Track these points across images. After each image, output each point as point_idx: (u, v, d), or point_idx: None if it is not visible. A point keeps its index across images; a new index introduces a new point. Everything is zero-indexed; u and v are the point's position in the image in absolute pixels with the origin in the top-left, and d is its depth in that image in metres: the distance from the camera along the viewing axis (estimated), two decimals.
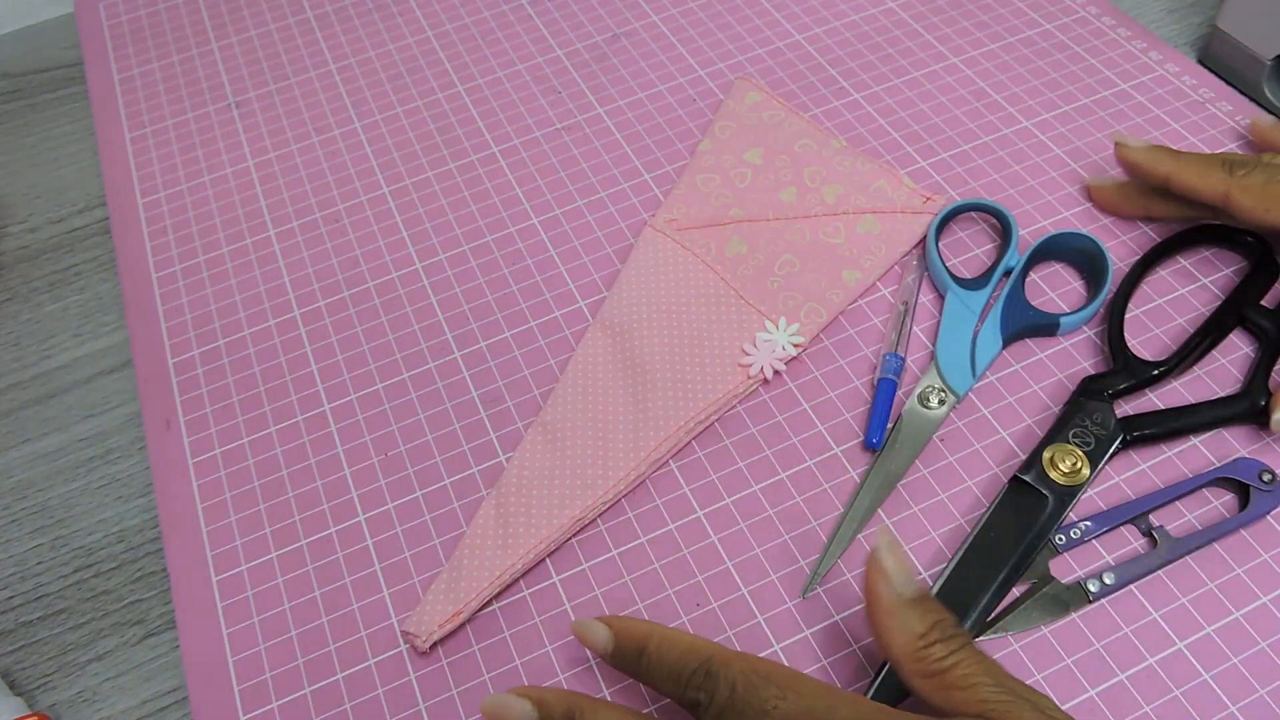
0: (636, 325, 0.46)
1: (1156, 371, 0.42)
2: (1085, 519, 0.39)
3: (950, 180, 0.51)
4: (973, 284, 0.46)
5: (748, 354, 0.45)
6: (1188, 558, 0.39)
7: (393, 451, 0.44)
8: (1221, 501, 0.40)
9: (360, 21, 0.64)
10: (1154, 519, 0.40)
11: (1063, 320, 0.44)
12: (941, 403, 0.43)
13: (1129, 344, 0.44)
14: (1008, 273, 0.46)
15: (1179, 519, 0.40)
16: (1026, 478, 0.40)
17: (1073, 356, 0.44)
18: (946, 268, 0.46)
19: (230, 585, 0.41)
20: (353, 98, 0.59)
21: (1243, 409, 0.41)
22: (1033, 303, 0.46)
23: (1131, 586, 0.38)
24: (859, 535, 0.40)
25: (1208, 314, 0.44)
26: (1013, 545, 0.38)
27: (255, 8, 0.66)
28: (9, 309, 0.53)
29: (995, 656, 0.37)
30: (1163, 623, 0.37)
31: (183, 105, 0.60)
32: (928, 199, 0.49)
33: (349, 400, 0.46)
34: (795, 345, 0.45)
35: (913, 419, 0.42)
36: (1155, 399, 0.43)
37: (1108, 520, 0.39)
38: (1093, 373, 0.44)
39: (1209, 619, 0.37)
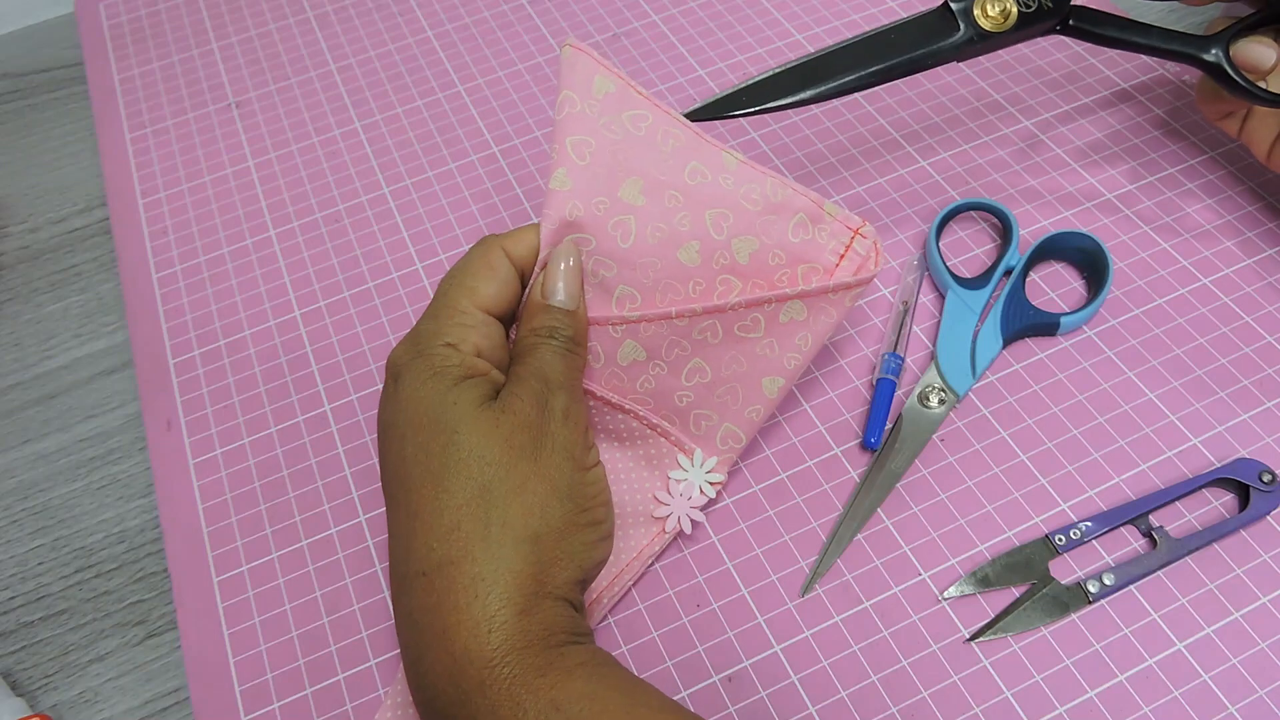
0: None
1: None
2: (1085, 520, 0.39)
3: (950, 180, 0.51)
4: (973, 283, 0.46)
5: (663, 503, 0.40)
6: (1187, 558, 0.39)
7: None
8: (1221, 502, 0.40)
9: (360, 21, 0.64)
10: (1154, 519, 0.40)
11: (1063, 320, 0.44)
12: (941, 402, 0.43)
13: None
14: (1008, 272, 0.46)
15: (1179, 519, 0.40)
16: (954, 6, 0.40)
17: (1073, 356, 0.44)
18: (947, 267, 0.46)
19: (231, 586, 0.41)
20: (353, 98, 0.59)
21: (1197, 49, 0.40)
22: (1033, 302, 0.46)
23: (1131, 587, 0.38)
24: (859, 535, 0.40)
25: None
26: (900, 51, 0.38)
27: (255, 8, 0.66)
28: (9, 309, 0.53)
29: (995, 657, 0.37)
30: (1162, 623, 0.38)
31: (183, 105, 0.60)
32: (855, 234, 0.37)
33: (349, 400, 0.46)
34: (713, 485, 0.40)
35: (913, 419, 0.42)
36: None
37: (1107, 520, 0.39)
38: None
39: (1209, 619, 0.37)
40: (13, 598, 0.43)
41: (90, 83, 0.63)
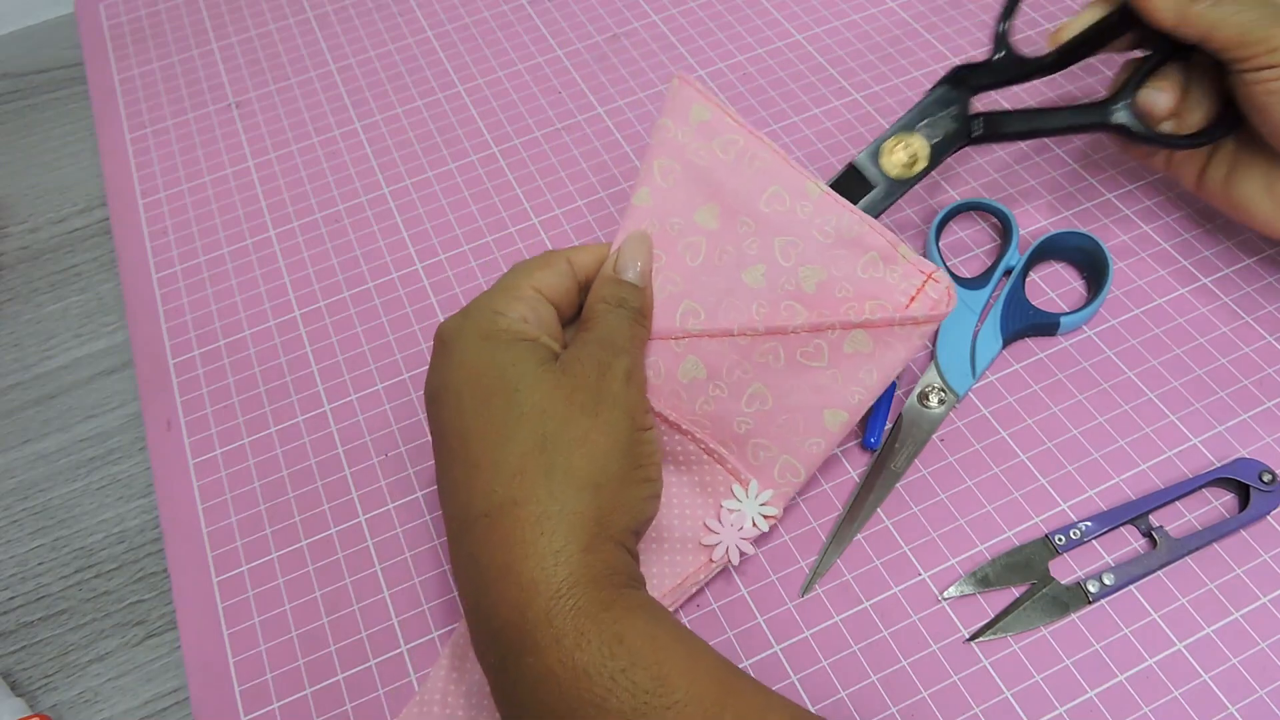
0: None
1: (1035, 65, 0.40)
2: (1085, 519, 0.39)
3: (950, 180, 0.51)
4: (973, 283, 0.46)
5: (713, 531, 0.38)
6: (1187, 558, 0.39)
7: (393, 452, 0.44)
8: (1221, 502, 0.40)
9: (360, 21, 0.64)
10: (1154, 519, 0.40)
11: (1063, 320, 0.44)
12: (941, 402, 0.43)
13: (1011, 38, 0.43)
14: (1008, 272, 0.46)
15: (1179, 519, 0.40)
16: (860, 165, 0.39)
17: (1073, 356, 0.44)
18: (947, 267, 0.46)
19: (231, 586, 0.41)
20: (353, 98, 0.59)
21: (1101, 118, 0.40)
22: (1033, 302, 0.46)
23: (1131, 587, 0.38)
24: (859, 535, 0.40)
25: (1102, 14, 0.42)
26: None
27: (255, 8, 0.66)
28: (9, 309, 0.53)
29: (995, 657, 0.37)
30: (1162, 623, 0.37)
31: (183, 105, 0.60)
32: (928, 278, 0.36)
33: (349, 400, 0.46)
34: (766, 518, 0.38)
35: (912, 419, 0.42)
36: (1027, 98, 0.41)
37: (1107, 520, 0.39)
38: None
39: (1209, 619, 0.37)
40: (12, 598, 0.43)
41: (90, 83, 0.63)
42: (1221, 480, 0.40)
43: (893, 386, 0.43)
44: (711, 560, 0.38)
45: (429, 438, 0.44)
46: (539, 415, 0.33)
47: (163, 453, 0.46)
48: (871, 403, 0.37)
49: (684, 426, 0.39)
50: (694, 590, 0.39)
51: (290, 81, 0.61)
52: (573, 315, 0.39)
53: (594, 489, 0.32)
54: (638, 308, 0.37)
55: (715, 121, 0.39)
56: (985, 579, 0.39)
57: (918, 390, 0.43)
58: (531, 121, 0.57)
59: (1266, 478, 0.39)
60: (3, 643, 0.42)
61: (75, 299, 0.53)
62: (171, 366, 0.49)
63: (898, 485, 0.41)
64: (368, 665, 0.39)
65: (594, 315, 0.37)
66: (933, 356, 0.44)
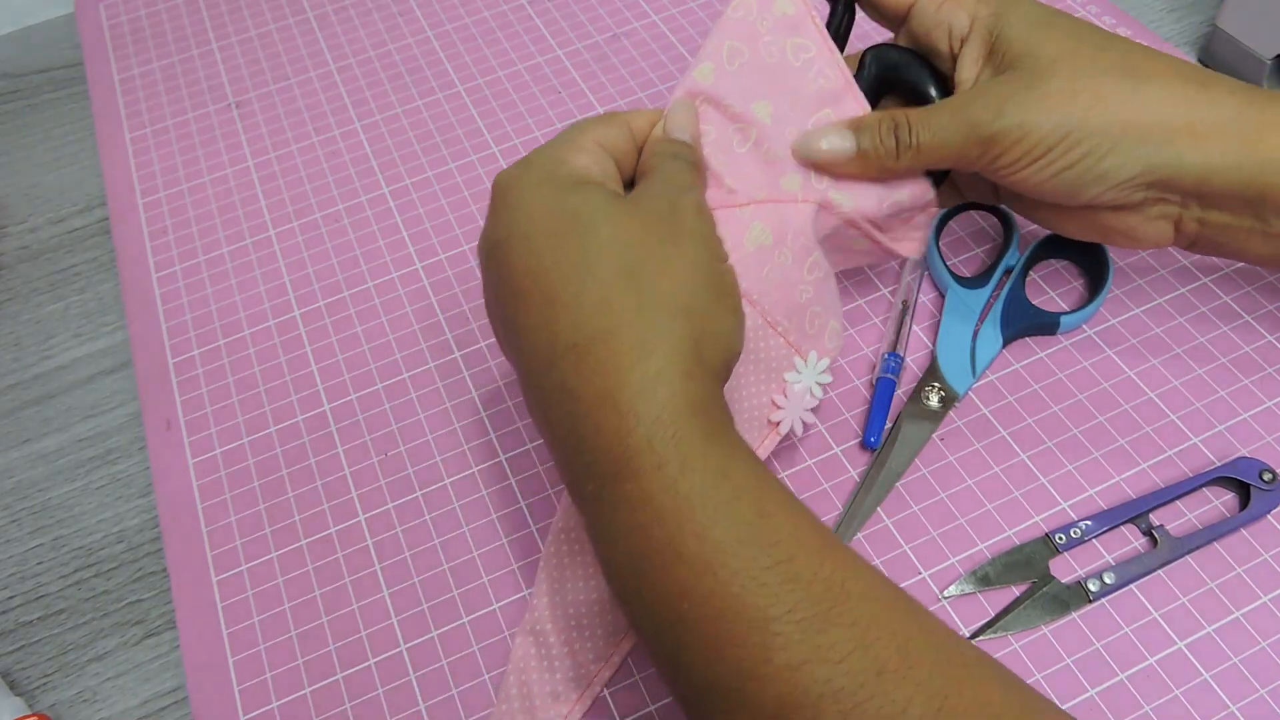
0: None
1: None
2: (1085, 518, 0.39)
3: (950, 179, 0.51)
4: (973, 283, 0.46)
5: (779, 407, 0.38)
6: (1188, 557, 0.39)
7: (393, 451, 0.44)
8: (1221, 501, 0.40)
9: (360, 21, 0.64)
10: (1154, 518, 0.40)
11: (1063, 319, 0.44)
12: (941, 402, 0.43)
13: None
14: (1008, 271, 0.46)
15: (1179, 518, 0.40)
16: None
17: (1073, 355, 0.44)
18: (947, 266, 0.46)
19: (230, 585, 0.41)
20: (353, 98, 0.59)
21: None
22: (1033, 302, 0.46)
23: (1131, 586, 0.38)
24: (859, 535, 0.40)
25: None
26: None
27: (255, 8, 0.66)
28: (9, 309, 0.53)
29: (995, 656, 0.37)
30: (1163, 622, 0.37)
31: (183, 105, 0.60)
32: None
33: (349, 400, 0.46)
34: (822, 386, 0.39)
35: (913, 418, 0.42)
36: None
37: (1108, 520, 0.39)
38: None
39: (1209, 619, 0.37)
40: (11, 597, 0.43)
41: (90, 83, 0.63)
42: (1222, 479, 0.40)
43: (892, 385, 0.43)
44: (777, 434, 0.38)
45: (428, 436, 0.45)
46: (619, 247, 0.32)
47: (162, 452, 0.46)
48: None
49: (752, 296, 0.37)
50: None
51: (290, 81, 0.61)
52: (630, 177, 0.38)
53: (686, 315, 0.31)
54: (692, 160, 0.37)
55: (798, 18, 0.39)
56: (986, 578, 0.39)
57: (918, 390, 0.43)
58: (531, 121, 0.57)
59: (1267, 476, 0.39)
60: (2, 642, 0.42)
61: (75, 299, 0.53)
62: (171, 366, 0.48)
63: (898, 484, 0.41)
64: (367, 664, 0.39)
65: (652, 165, 0.36)
66: (933, 356, 0.44)
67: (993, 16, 0.37)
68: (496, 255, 0.34)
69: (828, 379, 0.39)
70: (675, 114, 0.38)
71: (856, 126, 0.38)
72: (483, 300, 0.49)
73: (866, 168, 0.38)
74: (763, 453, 0.38)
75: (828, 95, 0.38)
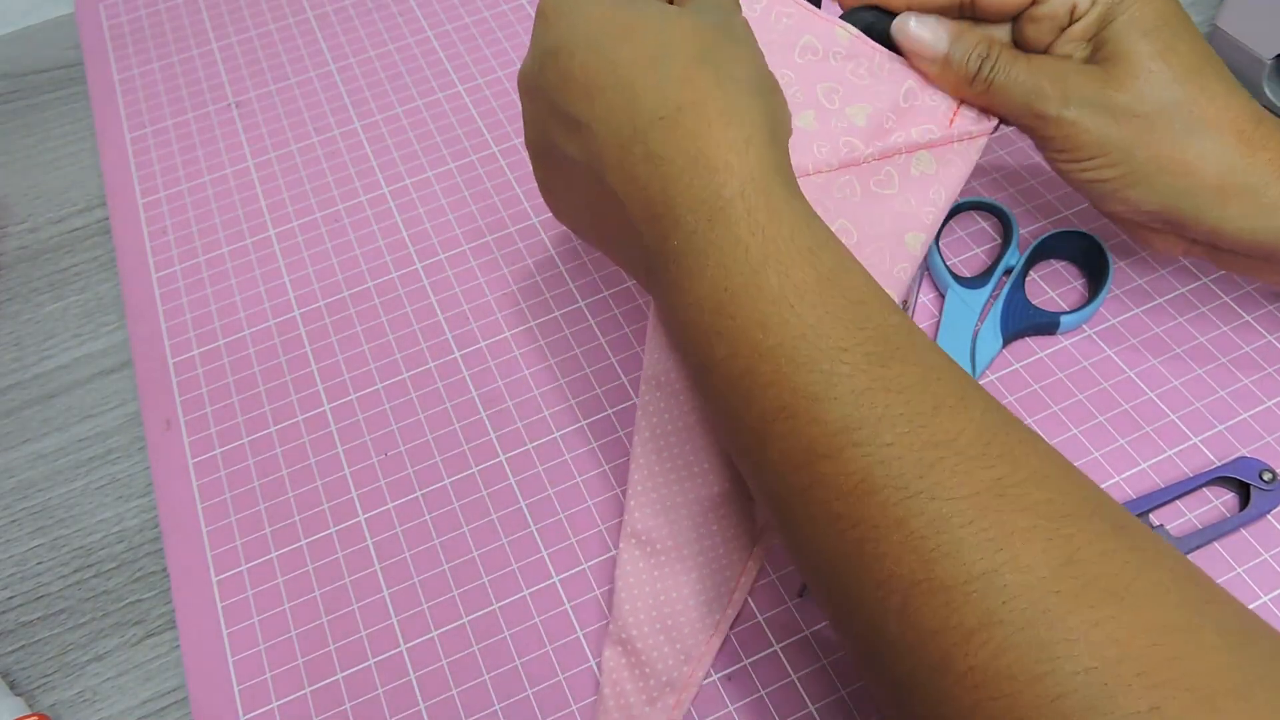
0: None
1: None
2: None
3: None
4: (973, 283, 0.46)
5: None
6: (1188, 557, 0.39)
7: (393, 451, 0.44)
8: (1222, 501, 0.40)
9: (360, 21, 0.64)
10: (1154, 518, 0.40)
11: (1063, 319, 0.44)
12: None
13: None
14: (1008, 271, 0.46)
15: (1179, 518, 0.40)
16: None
17: (1073, 355, 0.44)
18: (946, 266, 0.46)
19: (230, 585, 0.41)
20: (353, 98, 0.59)
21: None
22: (1033, 301, 0.46)
23: None
24: None
25: None
26: None
27: (255, 8, 0.66)
28: (9, 309, 0.53)
29: None
30: None
31: (183, 105, 0.60)
32: (958, 107, 0.40)
33: (349, 400, 0.46)
34: None
35: None
36: None
37: None
38: None
39: None
40: (11, 597, 0.43)
41: (90, 83, 0.63)
42: (1222, 479, 0.40)
43: None
44: None
45: (428, 436, 0.45)
46: (690, 36, 0.33)
47: (162, 452, 0.46)
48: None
49: None
50: None
51: (290, 81, 0.61)
52: None
53: (761, 94, 0.33)
54: None
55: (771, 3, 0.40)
56: None
57: None
58: None
59: (1267, 476, 0.39)
60: (2, 642, 0.42)
61: (75, 299, 0.53)
62: (171, 366, 0.48)
63: None
64: (367, 664, 0.39)
65: None
66: None
67: (1107, 4, 0.38)
68: (556, 64, 0.35)
69: None
70: None
71: (955, 33, 0.39)
72: (483, 300, 0.49)
73: (943, 75, 0.39)
74: None
75: (796, 28, 0.40)
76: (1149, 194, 0.38)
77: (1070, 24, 0.39)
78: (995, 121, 0.39)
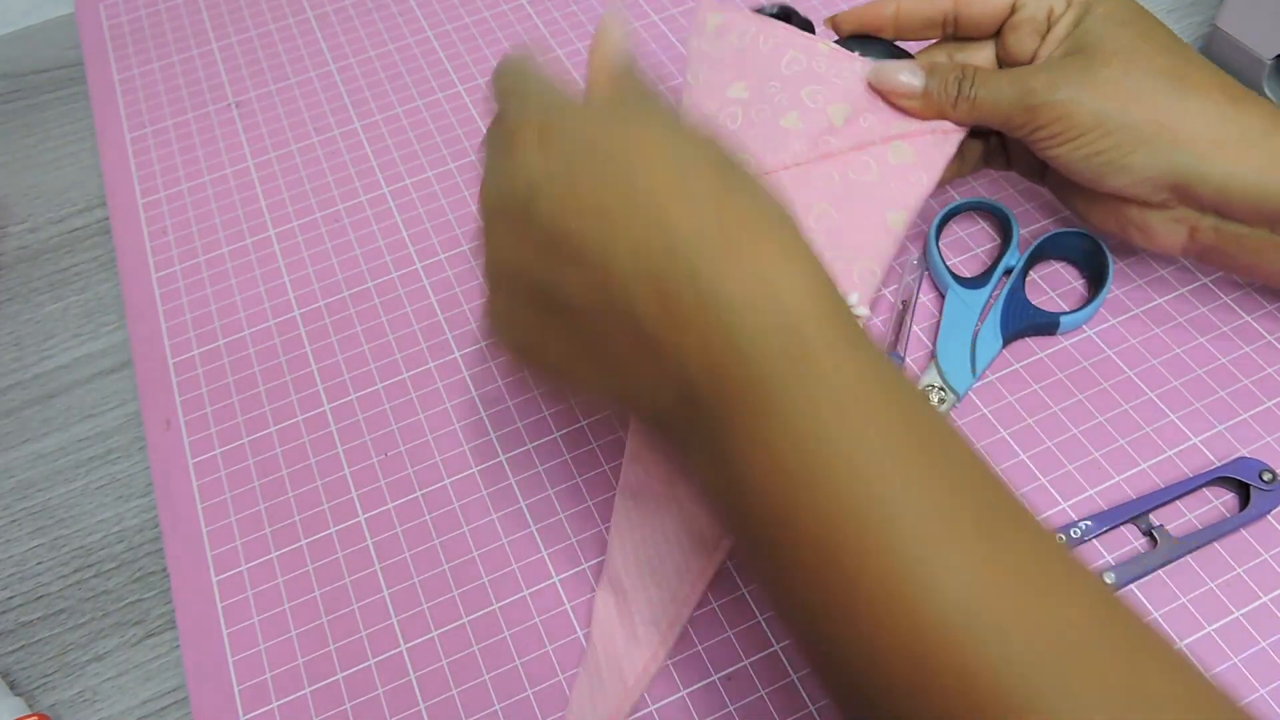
0: None
1: None
2: (1085, 518, 0.39)
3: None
4: (973, 283, 0.46)
5: None
6: (1188, 557, 0.39)
7: (393, 451, 0.44)
8: (1222, 501, 0.40)
9: (360, 21, 0.64)
10: (1154, 518, 0.40)
11: (1063, 319, 0.44)
12: (941, 401, 0.43)
13: None
14: (1008, 271, 0.46)
15: (1179, 518, 0.40)
16: None
17: (1073, 356, 0.44)
18: (946, 266, 0.46)
19: (230, 585, 0.41)
20: (353, 98, 0.59)
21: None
22: (1033, 301, 0.46)
23: (1132, 586, 0.38)
24: None
25: None
26: None
27: (255, 8, 0.66)
28: (9, 309, 0.53)
29: None
30: (1163, 622, 0.37)
31: (183, 105, 0.60)
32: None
33: (349, 400, 0.46)
34: (859, 318, 0.40)
35: None
36: None
37: (1108, 520, 0.39)
38: None
39: (1209, 618, 0.37)
40: (11, 597, 0.43)
41: (90, 83, 0.63)
42: (1222, 479, 0.40)
43: None
44: None
45: (428, 436, 0.45)
46: (701, 147, 0.29)
47: (162, 452, 0.46)
48: (924, 199, 0.41)
49: None
50: None
51: (290, 81, 0.61)
52: None
53: (785, 207, 0.29)
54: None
55: (728, 22, 0.44)
56: None
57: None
58: None
59: (1267, 476, 0.39)
60: (2, 642, 0.42)
61: (75, 299, 0.53)
62: (171, 366, 0.48)
63: None
64: (367, 664, 0.39)
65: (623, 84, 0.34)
66: (933, 356, 0.44)
67: (1083, 5, 0.41)
68: (552, 188, 0.29)
69: (863, 312, 0.40)
70: (610, 33, 0.35)
71: (929, 69, 0.41)
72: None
73: (927, 107, 0.41)
74: None
75: (781, 45, 0.43)
76: (1150, 158, 0.38)
77: (1049, 29, 0.41)
78: (941, 211, 0.43)
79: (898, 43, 0.44)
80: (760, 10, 0.44)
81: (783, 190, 0.38)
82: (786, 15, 0.44)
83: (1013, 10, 0.42)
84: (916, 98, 0.41)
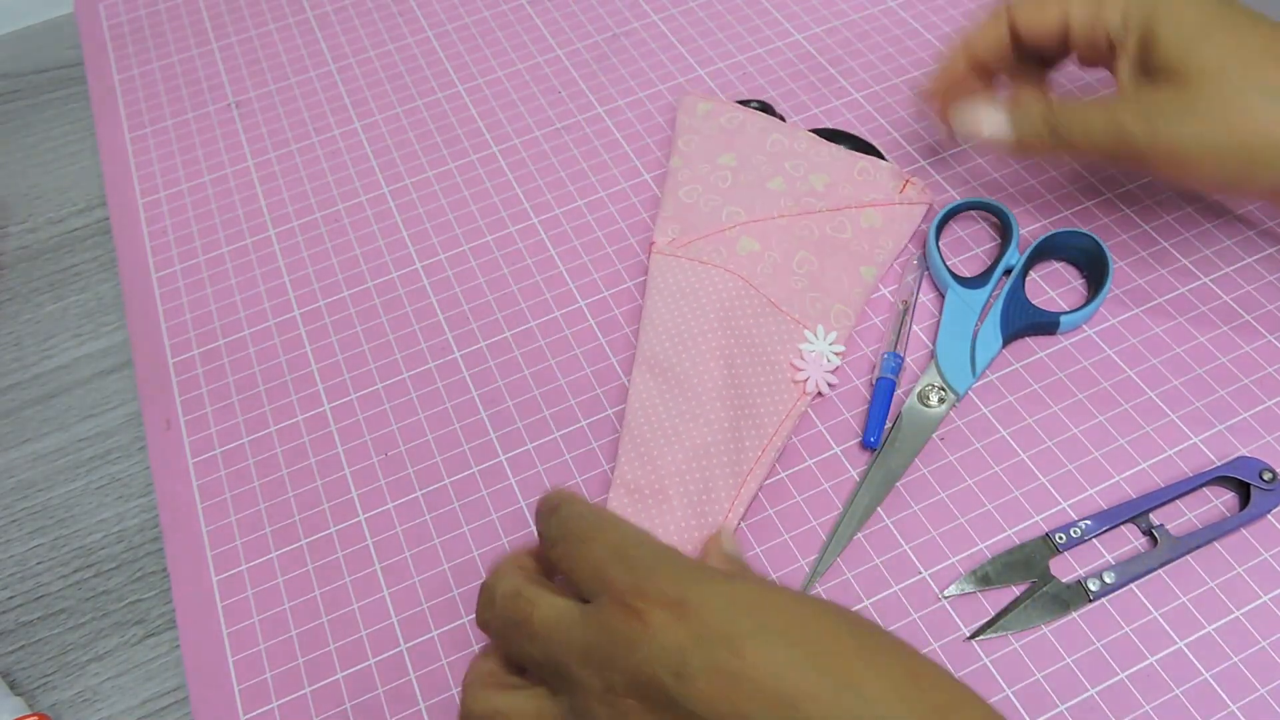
0: (683, 361, 0.43)
1: None
2: (1085, 518, 0.39)
3: (950, 180, 0.51)
4: (973, 283, 0.46)
5: (799, 368, 0.44)
6: (1188, 557, 0.39)
7: (393, 451, 0.44)
8: (1222, 500, 0.40)
9: (360, 21, 0.64)
10: (1154, 518, 0.40)
11: (1063, 319, 0.44)
12: (941, 401, 0.43)
13: None
14: (1008, 271, 0.46)
15: (1179, 518, 0.40)
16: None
17: (1073, 355, 0.44)
18: (947, 266, 0.46)
19: (230, 585, 0.41)
20: (353, 98, 0.59)
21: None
22: (1033, 301, 0.46)
23: (1132, 585, 0.38)
24: (859, 534, 0.40)
25: None
26: None
27: (255, 8, 0.66)
28: (9, 309, 0.53)
29: (995, 655, 0.37)
30: (1163, 622, 0.37)
31: (183, 105, 0.60)
32: (907, 182, 0.49)
33: (349, 400, 0.46)
34: (837, 355, 0.44)
35: (913, 418, 0.42)
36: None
37: (1108, 519, 0.39)
38: None
39: (1209, 618, 0.37)
40: (11, 597, 0.43)
41: (90, 83, 0.63)
42: (1222, 479, 0.40)
43: (892, 385, 0.43)
44: (805, 393, 0.43)
45: (428, 436, 0.45)
46: (843, 619, 0.28)
47: (162, 452, 0.46)
48: (891, 261, 0.48)
49: (755, 284, 0.46)
50: (797, 422, 0.43)
51: (290, 81, 0.61)
52: None
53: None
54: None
55: (717, 109, 0.53)
56: (985, 577, 0.39)
57: (918, 389, 0.43)
58: (531, 121, 0.57)
59: (1267, 476, 0.39)
60: (2, 642, 0.42)
61: (75, 299, 0.53)
62: (171, 366, 0.48)
63: (898, 484, 0.41)
64: (367, 664, 0.39)
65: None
66: (933, 355, 0.44)
67: (1147, 17, 0.38)
68: (713, 659, 0.26)
69: (840, 348, 0.45)
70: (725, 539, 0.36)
71: (1013, 111, 0.41)
72: (483, 300, 0.49)
73: (1019, 151, 0.43)
74: (796, 414, 0.43)
75: (766, 130, 0.51)
76: (1270, 173, 0.37)
77: (1114, 43, 0.40)
78: (930, 198, 0.49)
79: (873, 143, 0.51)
80: (744, 104, 0.53)
81: (770, 236, 0.47)
82: (766, 110, 0.53)
83: (1067, 31, 0.41)
84: (1009, 146, 0.41)
